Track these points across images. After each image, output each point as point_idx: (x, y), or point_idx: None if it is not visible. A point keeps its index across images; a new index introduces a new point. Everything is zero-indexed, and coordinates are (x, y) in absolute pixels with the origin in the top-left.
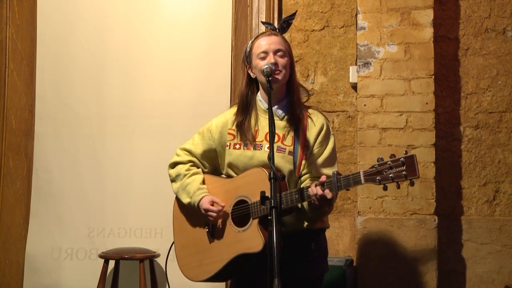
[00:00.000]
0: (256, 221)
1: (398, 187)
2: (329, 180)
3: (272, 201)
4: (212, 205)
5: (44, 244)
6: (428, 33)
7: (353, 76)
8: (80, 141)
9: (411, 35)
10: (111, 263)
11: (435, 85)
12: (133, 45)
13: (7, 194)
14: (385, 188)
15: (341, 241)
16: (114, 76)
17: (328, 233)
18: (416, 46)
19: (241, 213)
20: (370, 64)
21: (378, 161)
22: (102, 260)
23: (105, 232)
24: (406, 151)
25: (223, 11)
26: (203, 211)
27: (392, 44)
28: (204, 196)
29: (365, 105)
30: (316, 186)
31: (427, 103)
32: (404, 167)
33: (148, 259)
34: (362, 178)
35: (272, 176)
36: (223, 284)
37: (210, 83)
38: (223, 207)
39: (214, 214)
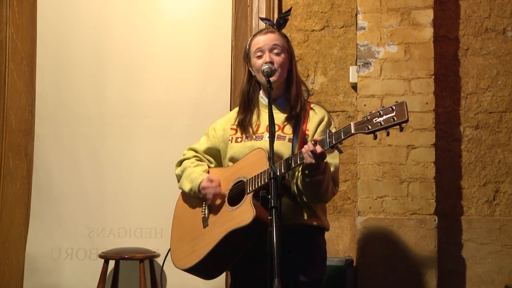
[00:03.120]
0: (250, 195)
1: (388, 134)
2: (321, 138)
3: (272, 201)
4: (210, 181)
5: (44, 244)
6: (428, 33)
7: (353, 76)
8: (80, 141)
9: (411, 35)
10: (111, 263)
11: (435, 85)
12: (133, 45)
13: (7, 194)
14: (375, 137)
15: (341, 241)
16: (114, 76)
17: (328, 233)
18: (416, 46)
19: (237, 191)
20: (370, 64)
21: (370, 113)
22: (102, 260)
23: (105, 232)
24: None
25: (223, 11)
26: (202, 191)
27: (392, 44)
28: (203, 179)
29: (365, 105)
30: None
31: (427, 103)
32: (394, 113)
33: (148, 259)
34: (352, 127)
35: (272, 176)
36: (223, 284)
37: (210, 83)
38: (219, 182)
39: (211, 190)
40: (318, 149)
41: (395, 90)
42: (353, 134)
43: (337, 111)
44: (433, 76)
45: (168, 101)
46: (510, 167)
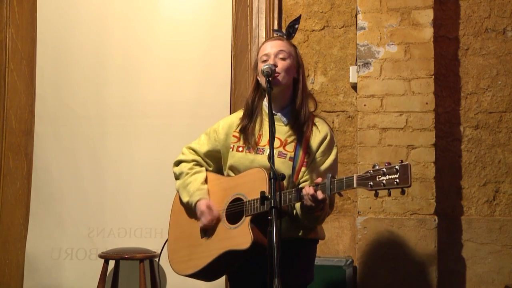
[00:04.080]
0: (248, 218)
1: (389, 194)
2: (323, 182)
3: (272, 201)
4: (209, 208)
5: (44, 244)
6: (428, 33)
7: (353, 76)
8: (80, 141)
9: (411, 35)
10: (111, 263)
11: (435, 85)
12: (133, 45)
13: (7, 194)
14: (376, 195)
15: (341, 241)
16: (114, 76)
17: (328, 233)
18: (416, 46)
19: (235, 210)
20: (370, 64)
21: (373, 167)
22: (102, 260)
23: (105, 232)
24: (401, 160)
25: (223, 11)
26: (198, 213)
27: (392, 44)
28: (201, 199)
29: (365, 105)
30: (309, 186)
31: (427, 103)
32: (398, 175)
33: (148, 259)
34: (355, 181)
35: (272, 176)
36: (223, 284)
37: (210, 83)
38: (215, 217)
39: (205, 221)
40: (320, 195)
41: (395, 90)
42: (354, 188)
43: (337, 111)
44: (433, 76)
45: (168, 101)
46: (510, 167)
